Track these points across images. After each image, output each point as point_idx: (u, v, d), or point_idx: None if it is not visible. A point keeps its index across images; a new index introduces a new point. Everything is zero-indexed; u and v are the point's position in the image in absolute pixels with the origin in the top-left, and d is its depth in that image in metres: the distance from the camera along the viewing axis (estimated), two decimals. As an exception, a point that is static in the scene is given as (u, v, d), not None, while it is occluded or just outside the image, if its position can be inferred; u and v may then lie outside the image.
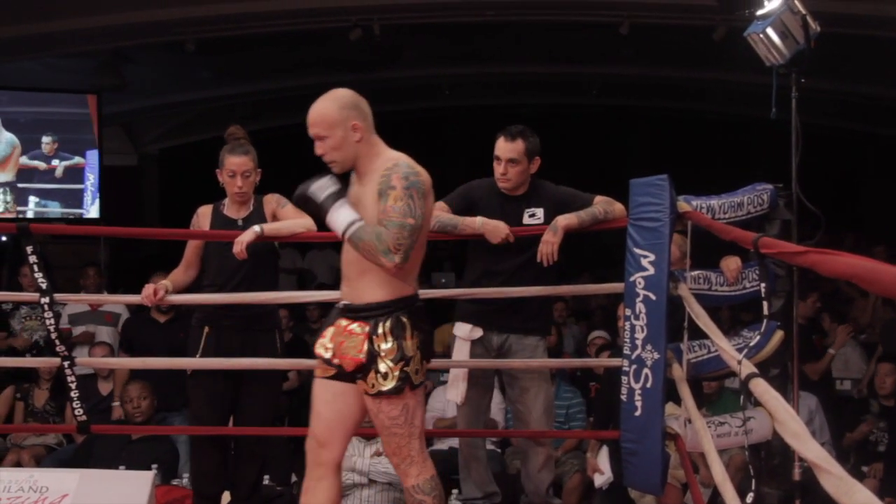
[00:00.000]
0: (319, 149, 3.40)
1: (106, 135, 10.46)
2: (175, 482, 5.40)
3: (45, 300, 4.35)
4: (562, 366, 6.63)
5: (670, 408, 4.32)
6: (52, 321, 4.43)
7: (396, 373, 3.33)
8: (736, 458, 5.32)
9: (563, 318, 8.63)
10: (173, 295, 4.51)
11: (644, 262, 4.01)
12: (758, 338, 4.02)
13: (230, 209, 4.66)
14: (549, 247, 4.26)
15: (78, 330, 7.53)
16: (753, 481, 3.99)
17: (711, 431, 3.93)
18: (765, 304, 3.83)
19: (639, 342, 4.04)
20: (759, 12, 4.50)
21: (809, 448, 2.11)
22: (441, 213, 4.40)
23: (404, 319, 3.36)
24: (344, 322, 3.42)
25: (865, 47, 9.01)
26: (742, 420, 4.05)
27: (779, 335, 4.08)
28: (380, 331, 3.34)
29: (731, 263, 4.29)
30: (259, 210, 4.64)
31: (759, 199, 4.29)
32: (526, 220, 4.47)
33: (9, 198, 9.79)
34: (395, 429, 3.41)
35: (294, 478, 5.73)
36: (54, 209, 10.07)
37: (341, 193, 3.36)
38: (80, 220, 10.08)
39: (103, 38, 8.87)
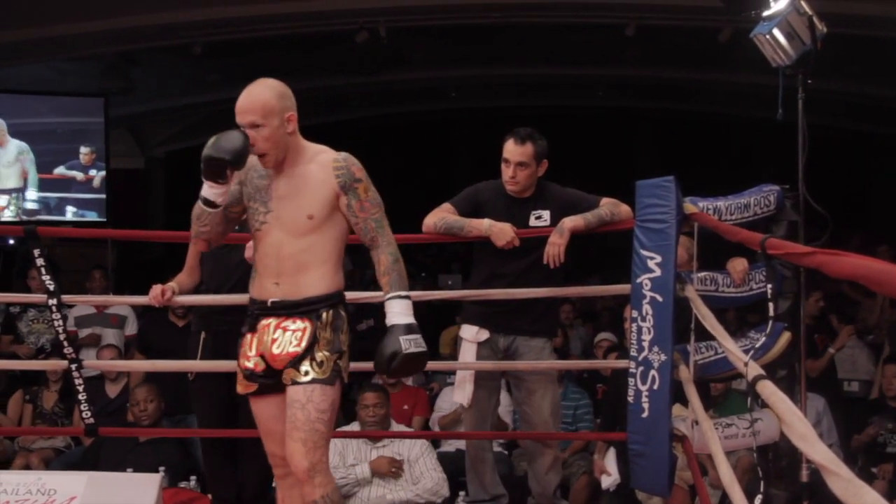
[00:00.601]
0: (252, 139, 3.26)
1: (112, 138, 10.49)
2: (182, 485, 5.40)
3: (53, 302, 4.36)
4: (569, 367, 6.62)
5: (677, 409, 4.32)
6: (60, 323, 4.45)
7: (331, 363, 3.28)
8: (744, 459, 5.30)
9: (569, 320, 8.63)
10: (180, 296, 4.52)
11: (651, 264, 4.01)
12: (764, 339, 4.01)
13: None
14: (555, 248, 4.25)
15: (84, 332, 7.54)
16: (762, 483, 3.99)
17: (719, 433, 3.92)
18: (771, 305, 3.82)
19: (645, 344, 4.04)
20: (766, 13, 4.49)
21: (817, 450, 2.10)
22: (448, 215, 4.40)
23: (343, 313, 3.36)
24: (273, 320, 3.33)
25: (872, 48, 9.01)
26: (749, 421, 4.04)
27: (786, 336, 4.08)
28: (323, 320, 3.29)
29: (738, 265, 4.28)
30: None
31: (766, 201, 4.28)
32: (532, 222, 4.47)
33: (19, 204, 9.84)
34: (318, 424, 3.26)
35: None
36: (93, 220, 10.17)
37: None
38: (87, 223, 10.11)
39: (110, 42, 8.90)
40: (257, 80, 3.35)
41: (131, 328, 7.86)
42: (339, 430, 5.23)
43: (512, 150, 4.44)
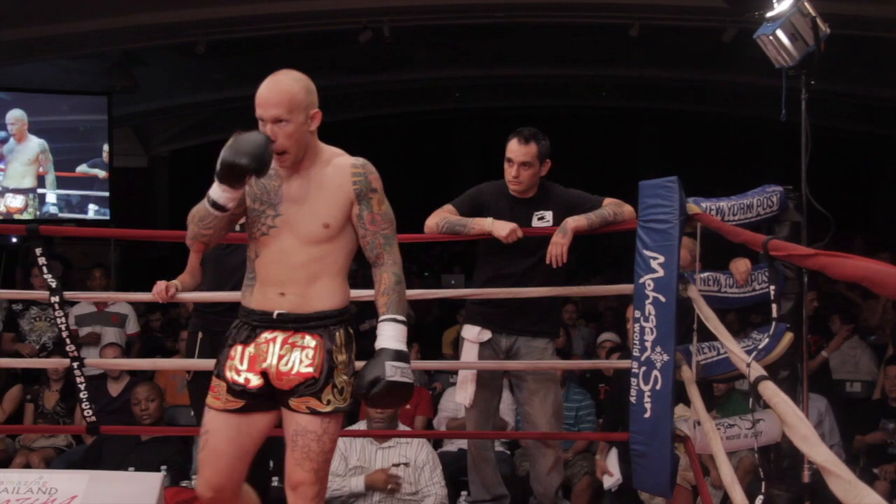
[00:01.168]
0: (273, 135, 2.98)
1: (116, 136, 10.51)
2: (184, 484, 5.41)
3: (56, 299, 4.36)
4: (570, 367, 6.62)
5: (680, 410, 4.32)
6: (63, 320, 4.45)
7: (349, 388, 3.07)
8: (745, 460, 5.31)
9: (572, 321, 8.63)
10: (183, 293, 4.53)
11: (653, 264, 4.01)
12: (767, 340, 4.01)
13: None
14: (558, 248, 4.25)
15: (84, 331, 7.55)
16: (763, 483, 3.99)
17: (721, 433, 3.92)
18: (774, 306, 3.82)
19: (648, 344, 4.04)
20: (769, 14, 4.48)
21: (818, 451, 2.10)
22: (450, 216, 4.40)
23: (351, 331, 3.14)
24: (279, 334, 3.06)
25: (876, 49, 9.01)
26: (751, 422, 4.03)
27: (788, 337, 4.07)
28: (337, 341, 3.07)
29: (741, 265, 4.28)
30: None
31: (769, 201, 4.27)
32: (535, 222, 4.46)
33: (37, 206, 9.89)
34: (329, 454, 3.10)
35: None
36: (96, 218, 10.22)
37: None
38: (90, 222, 10.14)
39: (114, 40, 8.92)
40: (281, 70, 3.08)
41: (133, 326, 7.87)
42: (344, 429, 5.23)
43: (515, 149, 4.43)
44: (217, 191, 3.00)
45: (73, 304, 7.02)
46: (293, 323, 3.05)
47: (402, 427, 5.74)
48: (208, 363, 4.61)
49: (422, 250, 13.41)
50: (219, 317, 4.58)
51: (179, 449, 5.94)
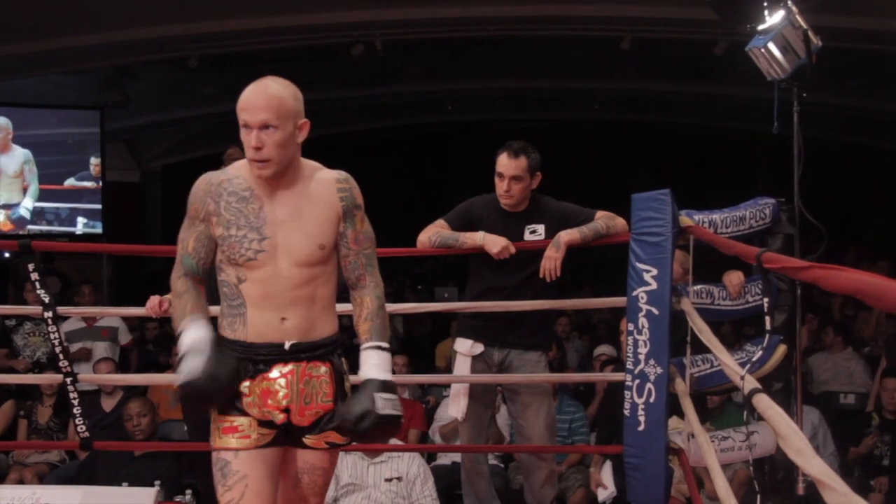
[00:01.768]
0: (258, 141, 2.74)
1: (109, 151, 10.50)
2: (178, 499, 5.39)
3: (49, 314, 4.35)
4: (564, 380, 6.62)
5: (674, 422, 4.32)
6: (56, 335, 4.43)
7: None
8: (740, 472, 5.30)
9: (566, 333, 8.63)
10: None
11: (646, 277, 4.01)
12: (761, 352, 4.01)
13: None
14: (551, 262, 4.26)
15: (75, 347, 7.52)
16: (758, 496, 3.98)
17: (715, 446, 3.92)
18: (767, 318, 3.83)
19: (641, 357, 4.04)
20: (761, 27, 4.50)
21: (812, 464, 2.10)
22: (442, 230, 4.40)
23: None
24: (293, 366, 2.82)
25: (867, 61, 9.04)
26: (745, 434, 4.04)
27: (782, 349, 4.08)
28: (344, 367, 2.89)
29: (734, 278, 4.29)
30: None
31: (762, 214, 4.29)
32: (527, 236, 4.46)
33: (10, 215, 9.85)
34: (329, 483, 2.99)
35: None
36: (89, 232, 10.19)
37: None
38: (83, 237, 10.11)
39: (107, 55, 8.91)
40: (266, 76, 2.87)
41: (125, 338, 7.87)
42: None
43: (506, 163, 4.43)
44: (188, 337, 2.77)
45: (65, 319, 7.00)
46: (306, 353, 2.82)
47: (394, 441, 5.72)
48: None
49: (415, 263, 13.41)
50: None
51: (173, 464, 5.92)
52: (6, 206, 9.76)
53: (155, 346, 8.74)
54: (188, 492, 5.34)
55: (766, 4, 4.48)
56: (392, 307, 6.91)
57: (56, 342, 4.44)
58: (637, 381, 4.05)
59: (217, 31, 8.48)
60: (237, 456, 2.80)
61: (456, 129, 15.05)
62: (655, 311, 4.00)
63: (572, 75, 11.27)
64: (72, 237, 10.05)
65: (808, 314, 7.77)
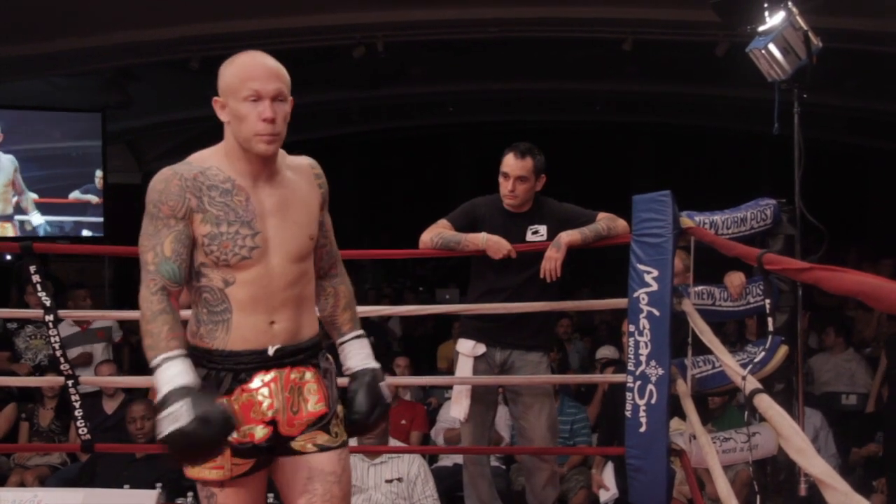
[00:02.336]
0: (273, 112, 2.50)
1: (110, 152, 10.51)
2: (179, 501, 5.39)
3: (50, 317, 4.35)
4: (566, 381, 6.62)
5: (675, 423, 4.32)
6: (57, 338, 4.43)
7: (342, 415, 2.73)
8: (741, 473, 5.30)
9: (567, 335, 8.63)
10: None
11: (647, 278, 4.01)
12: (763, 353, 4.01)
13: None
14: (552, 263, 4.26)
15: (74, 352, 7.49)
16: (759, 497, 3.98)
17: (716, 447, 3.92)
18: (769, 319, 3.83)
19: (643, 358, 4.04)
20: (761, 28, 4.50)
21: (814, 464, 2.10)
22: (444, 231, 4.40)
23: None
24: (275, 372, 2.60)
25: (867, 62, 9.04)
26: (747, 435, 4.04)
27: (783, 350, 4.08)
28: (332, 366, 2.72)
29: (735, 279, 4.29)
30: None
31: (763, 215, 4.29)
32: (529, 237, 4.46)
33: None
34: (350, 496, 2.74)
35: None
36: (90, 235, 10.22)
37: None
38: (83, 239, 10.13)
39: (108, 57, 8.91)
40: (248, 50, 2.61)
41: (117, 335, 7.92)
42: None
43: (512, 164, 4.43)
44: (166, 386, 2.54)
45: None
46: (290, 357, 2.61)
47: (395, 442, 5.73)
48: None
49: (417, 264, 13.42)
50: None
51: (174, 466, 5.91)
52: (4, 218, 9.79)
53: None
54: (189, 494, 5.33)
55: (766, 6, 4.48)
56: (393, 309, 7.00)
57: (56, 345, 4.44)
58: (638, 383, 4.05)
59: (219, 32, 8.48)
60: (213, 492, 2.71)
61: (457, 130, 15.05)
62: (656, 313, 4.00)
63: (574, 77, 11.27)
64: (73, 240, 10.05)
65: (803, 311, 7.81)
